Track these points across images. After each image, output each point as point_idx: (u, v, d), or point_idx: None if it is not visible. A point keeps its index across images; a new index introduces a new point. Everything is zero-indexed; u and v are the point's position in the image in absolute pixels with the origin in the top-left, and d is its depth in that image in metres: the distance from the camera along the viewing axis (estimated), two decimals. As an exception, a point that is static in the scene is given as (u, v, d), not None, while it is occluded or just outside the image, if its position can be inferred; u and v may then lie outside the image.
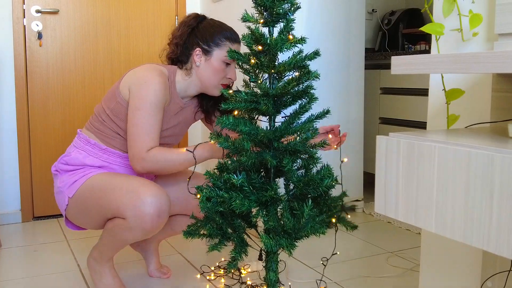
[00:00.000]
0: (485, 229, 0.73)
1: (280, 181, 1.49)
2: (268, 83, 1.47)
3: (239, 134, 1.44)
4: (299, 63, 1.43)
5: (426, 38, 3.39)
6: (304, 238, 1.45)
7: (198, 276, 1.94)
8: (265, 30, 1.46)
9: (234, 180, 1.39)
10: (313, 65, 2.41)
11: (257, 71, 1.47)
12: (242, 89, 1.50)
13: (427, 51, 3.20)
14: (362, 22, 2.75)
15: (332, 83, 2.64)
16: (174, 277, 1.94)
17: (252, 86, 1.50)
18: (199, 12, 1.81)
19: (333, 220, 1.48)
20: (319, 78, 1.45)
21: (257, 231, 1.57)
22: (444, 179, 0.79)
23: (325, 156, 2.29)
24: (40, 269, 2.03)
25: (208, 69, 1.70)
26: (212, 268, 1.99)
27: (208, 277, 1.93)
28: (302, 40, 1.44)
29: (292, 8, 1.45)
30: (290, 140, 1.44)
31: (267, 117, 1.49)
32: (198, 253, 2.20)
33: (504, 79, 1.16)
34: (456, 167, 0.77)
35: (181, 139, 1.89)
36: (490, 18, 1.25)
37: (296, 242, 1.44)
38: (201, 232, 1.54)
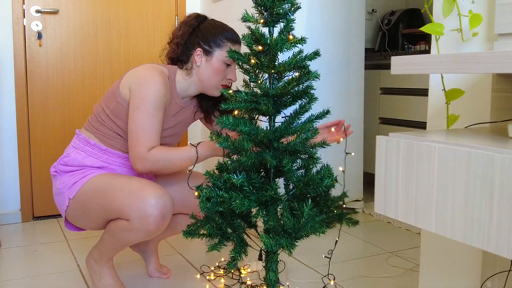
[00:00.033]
0: (485, 229, 0.73)
1: (280, 181, 1.49)
2: (268, 83, 1.47)
3: (239, 134, 1.44)
4: (299, 63, 1.43)
5: (426, 38, 3.39)
6: (304, 238, 1.46)
7: (198, 276, 1.94)
8: (265, 30, 1.46)
9: (234, 180, 1.39)
10: (313, 65, 2.41)
11: (257, 71, 1.47)
12: (242, 89, 1.50)
13: (427, 51, 3.20)
14: (362, 22, 2.75)
15: (332, 83, 2.64)
16: (174, 277, 1.94)
17: (252, 86, 1.50)
18: (199, 12, 1.81)
19: (335, 211, 1.48)
20: (319, 78, 1.45)
21: (257, 231, 1.57)
22: (444, 179, 0.79)
23: (325, 156, 2.29)
24: (40, 269, 2.02)
25: (208, 70, 1.70)
26: (212, 268, 1.99)
27: (208, 277, 1.93)
28: (302, 40, 1.44)
29: (292, 8, 1.46)
30: (290, 140, 1.44)
31: (267, 117, 1.50)
32: (198, 253, 2.20)
33: (504, 79, 1.16)
34: (456, 167, 0.77)
35: (180, 139, 1.89)
36: (490, 18, 1.25)
37: (296, 242, 1.44)
38: (201, 232, 1.54)
